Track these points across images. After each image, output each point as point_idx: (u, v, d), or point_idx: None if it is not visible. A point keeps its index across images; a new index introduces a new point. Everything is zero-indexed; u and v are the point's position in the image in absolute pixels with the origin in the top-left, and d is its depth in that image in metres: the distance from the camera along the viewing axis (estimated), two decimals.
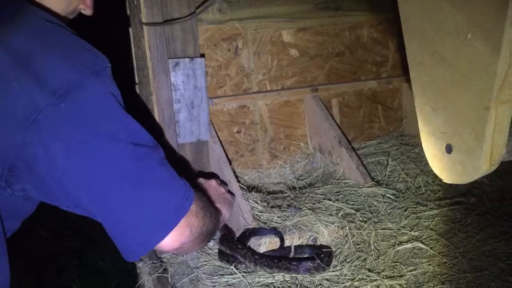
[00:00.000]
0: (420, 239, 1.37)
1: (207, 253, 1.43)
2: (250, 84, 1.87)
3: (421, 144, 1.89)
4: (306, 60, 1.94)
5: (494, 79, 0.47)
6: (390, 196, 1.57)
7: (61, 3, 1.09)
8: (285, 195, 1.65)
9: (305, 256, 1.35)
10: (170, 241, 0.93)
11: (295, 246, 1.39)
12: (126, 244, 0.91)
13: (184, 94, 1.57)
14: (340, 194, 1.60)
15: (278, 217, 1.47)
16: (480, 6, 0.46)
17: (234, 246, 1.34)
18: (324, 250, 1.32)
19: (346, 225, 1.42)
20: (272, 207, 1.55)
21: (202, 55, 1.63)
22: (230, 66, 1.82)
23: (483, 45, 0.46)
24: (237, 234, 1.45)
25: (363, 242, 1.38)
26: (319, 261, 1.26)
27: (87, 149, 0.85)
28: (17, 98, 0.83)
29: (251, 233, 1.41)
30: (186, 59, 1.56)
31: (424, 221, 1.45)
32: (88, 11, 1.16)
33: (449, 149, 0.54)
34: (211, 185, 1.39)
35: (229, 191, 1.48)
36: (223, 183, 1.51)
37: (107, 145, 0.86)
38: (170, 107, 1.56)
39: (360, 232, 1.40)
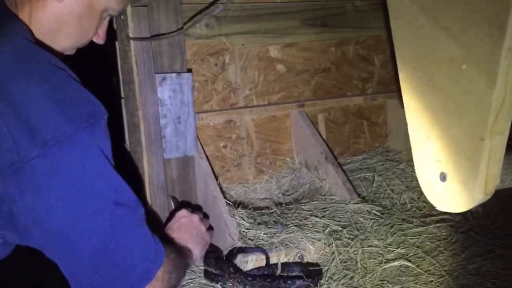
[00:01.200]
0: (407, 257, 1.38)
1: (192, 271, 1.41)
2: (236, 99, 1.86)
3: (406, 160, 1.91)
4: (293, 75, 1.94)
5: (489, 111, 0.47)
6: (376, 213, 1.57)
7: (70, 40, 1.06)
8: (272, 211, 1.64)
9: (293, 274, 1.34)
10: None
11: (282, 264, 1.38)
12: None
13: (170, 109, 1.56)
14: (327, 210, 1.60)
15: (264, 234, 1.46)
16: (475, 37, 0.46)
17: (224, 267, 1.32)
18: (311, 268, 1.32)
19: (332, 242, 1.41)
20: (259, 223, 1.54)
21: (189, 70, 1.62)
22: (217, 81, 1.81)
23: (478, 76, 0.46)
24: (223, 252, 1.43)
25: (350, 259, 1.38)
26: (310, 279, 1.26)
27: (68, 205, 0.84)
28: (4, 144, 0.82)
29: (237, 251, 1.39)
30: (173, 74, 1.55)
31: (410, 238, 1.46)
32: (100, 41, 1.13)
33: (443, 177, 0.54)
34: (192, 221, 1.30)
35: (210, 227, 1.41)
36: (205, 217, 1.46)
37: (88, 202, 0.85)
38: (157, 122, 1.54)
39: (347, 250, 1.40)
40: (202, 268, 1.41)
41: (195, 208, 1.46)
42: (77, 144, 0.84)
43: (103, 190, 0.86)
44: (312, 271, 1.29)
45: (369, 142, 2.14)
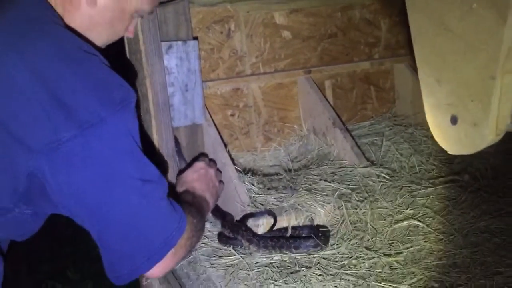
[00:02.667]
0: (416, 217, 1.39)
1: (205, 236, 1.44)
2: (243, 67, 1.86)
3: (414, 124, 1.91)
4: (299, 42, 1.93)
5: (500, 48, 0.47)
6: (385, 176, 1.58)
7: (101, 39, 1.12)
8: (281, 177, 1.65)
9: (303, 235, 1.36)
10: (156, 270, 0.99)
11: (293, 227, 1.40)
12: (116, 269, 0.97)
13: (178, 77, 1.56)
14: (335, 175, 1.61)
15: (274, 198, 1.48)
16: None
17: (237, 228, 1.34)
18: (321, 229, 1.34)
19: (342, 205, 1.43)
20: (268, 188, 1.55)
21: (195, 38, 1.61)
22: (222, 49, 1.80)
23: (489, 14, 0.46)
24: (234, 218, 1.45)
25: (359, 221, 1.39)
26: (317, 239, 1.28)
27: (102, 182, 0.90)
28: (38, 122, 0.86)
29: (248, 216, 1.41)
30: (179, 42, 1.54)
31: (419, 199, 1.47)
32: (129, 36, 1.23)
33: (454, 120, 0.54)
34: (209, 173, 1.36)
35: (221, 181, 1.45)
36: (218, 170, 1.49)
37: (119, 180, 0.92)
38: (164, 90, 1.54)
39: (357, 212, 1.41)
40: (215, 233, 1.44)
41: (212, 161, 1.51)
42: (110, 126, 0.90)
43: (131, 169, 0.93)
44: (320, 232, 1.31)
45: (377, 108, 2.13)
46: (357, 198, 1.47)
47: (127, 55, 1.69)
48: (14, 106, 0.87)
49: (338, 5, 1.96)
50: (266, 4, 1.83)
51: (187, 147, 1.65)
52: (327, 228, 1.37)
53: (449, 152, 0.58)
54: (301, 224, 1.41)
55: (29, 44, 0.91)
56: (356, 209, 1.43)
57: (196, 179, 1.32)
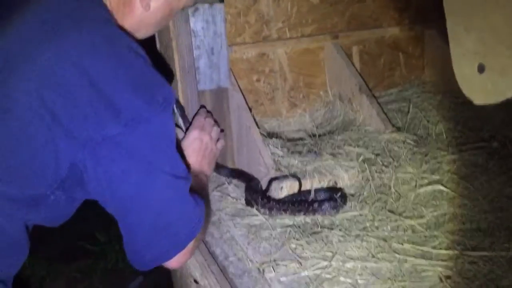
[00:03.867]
0: (441, 182, 1.38)
1: (229, 195, 1.46)
2: (269, 32, 1.84)
3: (443, 91, 1.87)
4: (326, 6, 1.90)
5: None
6: (411, 142, 1.56)
7: (147, 33, 1.18)
8: (305, 141, 1.65)
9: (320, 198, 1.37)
10: (175, 260, 1.04)
11: (307, 190, 1.40)
12: (140, 257, 1.03)
13: (203, 40, 1.56)
14: (360, 140, 1.60)
15: (298, 161, 1.49)
16: None
17: (255, 196, 1.37)
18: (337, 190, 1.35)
19: (366, 169, 1.42)
20: (292, 152, 1.56)
21: (221, 1, 1.60)
22: (249, 13, 1.79)
23: None
24: (259, 181, 1.47)
25: (383, 185, 1.39)
26: (336, 201, 1.29)
27: (140, 175, 0.96)
28: (86, 117, 0.91)
29: (272, 179, 1.43)
30: (206, 4, 1.53)
31: (445, 166, 1.45)
32: None
33: (481, 68, 0.53)
34: (203, 141, 1.35)
35: (221, 130, 1.47)
36: (216, 125, 1.48)
37: (156, 174, 0.98)
38: (190, 53, 1.55)
39: (381, 176, 1.41)
40: (239, 194, 1.46)
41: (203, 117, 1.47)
42: (152, 125, 0.95)
43: (167, 165, 0.99)
44: (336, 193, 1.32)
45: (405, 75, 2.09)
46: (381, 163, 1.47)
47: None
48: (63, 99, 0.91)
49: None
50: None
51: (213, 110, 1.66)
52: (342, 189, 1.37)
53: (475, 102, 0.57)
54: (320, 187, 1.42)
55: (76, 39, 0.94)
56: (380, 173, 1.43)
57: (190, 154, 1.32)
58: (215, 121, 1.48)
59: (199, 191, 1.16)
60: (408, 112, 1.76)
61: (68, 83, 0.91)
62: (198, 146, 1.34)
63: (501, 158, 1.46)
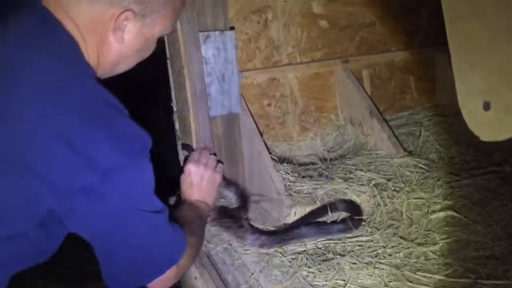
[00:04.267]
0: (454, 208, 1.37)
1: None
2: (280, 57, 1.86)
3: (454, 114, 1.87)
4: (336, 31, 1.92)
5: None
6: (423, 166, 1.56)
7: (129, 65, 1.20)
8: (316, 166, 1.66)
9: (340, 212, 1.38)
10: (157, 285, 1.10)
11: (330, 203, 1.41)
12: (115, 281, 1.08)
13: (215, 67, 1.58)
14: (372, 164, 1.60)
15: (309, 186, 1.49)
16: None
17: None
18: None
19: (377, 194, 1.42)
20: (303, 177, 1.56)
21: (232, 28, 1.63)
22: (259, 39, 1.82)
23: None
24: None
25: (395, 211, 1.39)
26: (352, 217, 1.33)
27: (117, 217, 1.01)
28: (63, 170, 0.95)
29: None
30: (217, 32, 1.56)
31: (458, 191, 1.44)
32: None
33: (487, 106, 0.54)
34: (200, 172, 1.41)
35: (218, 161, 1.50)
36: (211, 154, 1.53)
37: (131, 213, 1.03)
38: (201, 80, 1.57)
39: (392, 201, 1.41)
40: None
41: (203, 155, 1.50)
42: (129, 174, 1.00)
43: (145, 204, 1.05)
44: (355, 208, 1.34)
45: (416, 98, 2.09)
46: (393, 188, 1.46)
47: (166, 46, 1.73)
48: (38, 153, 0.94)
49: None
50: None
51: (224, 136, 1.68)
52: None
53: (482, 139, 0.57)
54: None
55: (54, 97, 0.96)
56: (392, 198, 1.42)
57: (188, 187, 1.40)
58: (214, 154, 1.53)
59: (194, 220, 1.26)
60: (420, 135, 1.75)
61: (45, 142, 0.94)
62: (194, 178, 1.40)
63: None
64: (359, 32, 1.96)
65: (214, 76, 1.59)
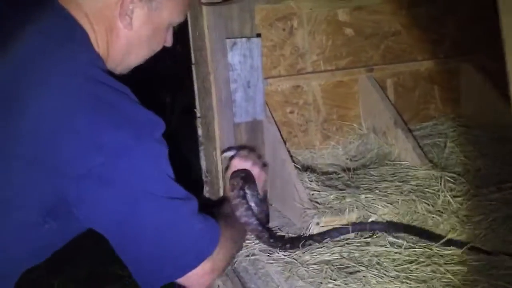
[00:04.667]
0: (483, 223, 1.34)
1: None
2: (304, 64, 1.86)
3: (479, 126, 1.84)
4: (361, 39, 1.90)
5: None
6: (449, 179, 1.53)
7: (140, 58, 1.20)
8: (339, 175, 1.64)
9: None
10: (193, 282, 1.07)
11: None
12: (144, 277, 1.05)
13: (240, 74, 1.58)
14: (397, 175, 1.58)
15: (334, 197, 1.47)
16: None
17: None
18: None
19: (403, 206, 1.40)
20: (327, 186, 1.55)
21: (258, 35, 1.63)
22: (284, 46, 1.81)
23: None
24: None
25: (422, 222, 1.37)
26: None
27: (128, 203, 0.98)
28: (70, 154, 0.94)
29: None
30: (243, 39, 1.56)
31: (487, 204, 1.42)
32: (168, 45, 1.25)
33: None
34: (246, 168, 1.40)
35: (264, 164, 1.50)
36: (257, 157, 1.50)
37: (146, 199, 0.99)
38: (227, 86, 1.57)
39: (418, 213, 1.39)
40: None
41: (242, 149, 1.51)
42: (137, 156, 0.97)
43: (157, 189, 1.00)
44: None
45: (440, 108, 2.07)
46: (418, 200, 1.44)
47: (191, 51, 1.73)
48: (43, 143, 0.94)
49: (403, 2, 1.91)
50: (330, 2, 1.82)
51: (247, 143, 1.67)
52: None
53: None
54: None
55: (57, 89, 0.97)
56: (416, 211, 1.40)
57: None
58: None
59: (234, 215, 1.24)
60: (445, 147, 1.73)
61: (50, 132, 0.94)
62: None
63: None
64: (384, 40, 1.94)
65: (239, 82, 1.59)
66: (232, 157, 1.47)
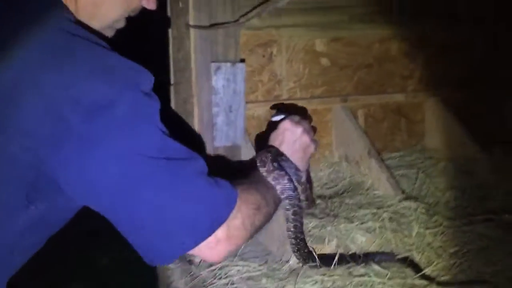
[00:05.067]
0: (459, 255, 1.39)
1: None
2: (281, 91, 1.87)
3: (445, 158, 1.92)
4: (336, 70, 1.95)
5: None
6: (422, 210, 1.58)
7: (116, 10, 1.06)
8: (317, 203, 1.65)
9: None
10: (212, 253, 0.93)
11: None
12: (153, 251, 0.91)
13: (223, 98, 1.57)
14: (373, 205, 1.61)
15: (314, 225, 1.48)
16: None
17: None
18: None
19: (382, 234, 1.43)
20: (307, 214, 1.55)
21: (242, 60, 1.63)
22: (263, 72, 1.82)
23: None
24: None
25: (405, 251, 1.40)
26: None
27: (119, 165, 0.85)
28: (38, 115, 0.82)
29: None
30: (228, 63, 1.56)
31: (460, 237, 1.47)
32: (151, 5, 1.11)
33: None
34: (295, 134, 1.27)
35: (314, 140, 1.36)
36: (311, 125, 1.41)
37: (139, 161, 0.86)
38: (209, 110, 1.56)
39: (400, 241, 1.42)
40: None
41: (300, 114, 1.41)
42: (120, 109, 0.84)
43: (152, 149, 0.87)
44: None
45: (406, 140, 2.14)
46: (395, 230, 1.47)
47: (171, 71, 1.70)
48: (11, 108, 0.83)
49: (377, 36, 1.99)
50: (308, 31, 1.86)
51: (226, 167, 1.65)
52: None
53: None
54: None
55: (26, 49, 0.86)
56: (395, 239, 1.43)
57: (278, 145, 1.26)
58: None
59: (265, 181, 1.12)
60: (416, 178, 1.79)
61: (17, 95, 0.83)
62: (288, 137, 1.27)
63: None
64: (357, 72, 1.99)
65: (222, 106, 1.58)
66: (281, 121, 1.35)
